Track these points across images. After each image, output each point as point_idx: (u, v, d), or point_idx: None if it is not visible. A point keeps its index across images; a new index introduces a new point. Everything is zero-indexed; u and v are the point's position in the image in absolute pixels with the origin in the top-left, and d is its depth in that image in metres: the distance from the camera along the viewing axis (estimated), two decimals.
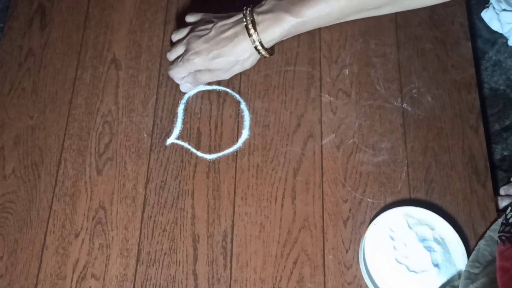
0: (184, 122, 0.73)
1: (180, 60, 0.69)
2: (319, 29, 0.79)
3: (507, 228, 0.56)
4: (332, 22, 0.66)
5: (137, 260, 0.65)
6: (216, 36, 0.66)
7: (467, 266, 0.60)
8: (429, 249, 0.63)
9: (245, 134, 0.72)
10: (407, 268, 0.62)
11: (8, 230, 0.66)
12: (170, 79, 0.75)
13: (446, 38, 0.78)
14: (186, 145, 0.71)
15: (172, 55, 0.71)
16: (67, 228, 0.67)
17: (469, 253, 0.64)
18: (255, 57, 0.67)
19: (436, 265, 0.62)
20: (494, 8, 0.80)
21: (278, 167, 0.70)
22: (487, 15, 0.81)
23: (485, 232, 0.64)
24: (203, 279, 0.64)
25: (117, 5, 0.80)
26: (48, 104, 0.74)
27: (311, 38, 0.78)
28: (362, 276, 0.65)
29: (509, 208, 0.58)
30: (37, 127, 0.72)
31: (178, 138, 0.72)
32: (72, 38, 0.78)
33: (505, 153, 0.80)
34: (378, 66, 0.76)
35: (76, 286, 0.64)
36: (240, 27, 0.65)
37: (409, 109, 0.74)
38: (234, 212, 0.68)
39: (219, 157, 0.71)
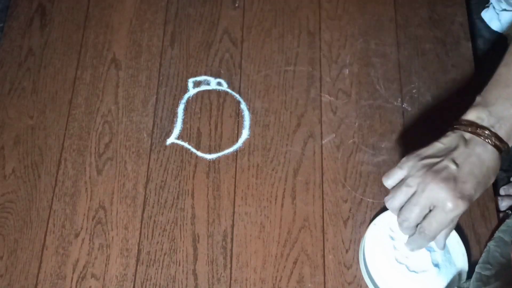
0: (184, 122, 0.73)
1: (434, 217, 0.54)
2: (319, 29, 0.79)
3: None
4: None
5: (137, 260, 0.65)
6: (463, 168, 0.54)
7: (477, 267, 0.60)
8: (429, 249, 0.63)
9: (245, 134, 0.72)
10: (407, 268, 0.62)
11: (8, 230, 0.66)
12: (170, 79, 0.75)
13: (446, 38, 0.78)
14: (186, 145, 0.71)
15: (394, 204, 0.56)
16: (67, 228, 0.67)
17: (469, 253, 0.64)
18: (499, 166, 0.57)
19: (436, 265, 0.62)
20: (494, 8, 0.80)
21: (278, 167, 0.70)
22: (487, 15, 0.81)
23: (494, 232, 0.64)
24: (203, 279, 0.64)
25: (117, 5, 0.80)
26: (48, 104, 0.74)
27: (311, 38, 0.78)
28: (362, 276, 0.64)
29: None
30: (37, 127, 0.72)
31: (178, 138, 0.72)
32: (72, 38, 0.78)
33: None
34: (378, 66, 0.76)
35: (76, 286, 0.64)
36: (482, 147, 0.55)
37: (409, 109, 0.74)
38: (234, 212, 0.68)
39: (219, 157, 0.71)
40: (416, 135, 0.72)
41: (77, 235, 0.66)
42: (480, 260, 0.61)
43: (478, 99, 0.57)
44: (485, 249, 0.62)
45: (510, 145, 0.56)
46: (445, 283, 0.62)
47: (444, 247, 0.58)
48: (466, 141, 0.56)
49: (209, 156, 0.71)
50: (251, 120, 0.73)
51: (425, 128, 0.73)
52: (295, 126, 0.72)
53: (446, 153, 0.55)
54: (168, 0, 0.80)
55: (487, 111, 0.56)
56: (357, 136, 0.72)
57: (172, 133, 0.72)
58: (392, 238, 0.64)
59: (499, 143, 0.55)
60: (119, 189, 0.69)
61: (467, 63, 0.77)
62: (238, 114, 0.73)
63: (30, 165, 0.70)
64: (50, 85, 0.75)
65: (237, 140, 0.72)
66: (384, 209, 0.67)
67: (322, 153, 0.71)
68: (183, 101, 0.74)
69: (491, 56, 0.80)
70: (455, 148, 0.55)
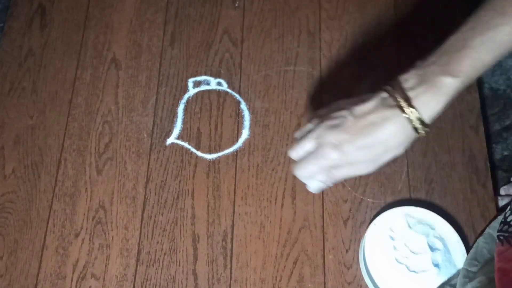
0: (184, 122, 0.73)
1: (312, 157, 0.56)
2: (319, 29, 0.79)
3: (506, 227, 0.56)
4: (494, 64, 0.54)
5: (137, 260, 0.65)
6: (357, 123, 0.54)
7: (465, 264, 0.60)
8: (429, 249, 0.63)
9: (245, 134, 0.72)
10: (407, 268, 0.62)
11: (8, 230, 0.66)
12: (170, 79, 0.75)
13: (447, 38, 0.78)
14: (186, 145, 0.71)
15: (297, 152, 0.57)
16: (67, 228, 0.67)
17: (469, 252, 0.64)
18: (411, 139, 0.54)
19: (436, 265, 0.62)
20: None
21: (278, 167, 0.70)
22: None
23: (484, 229, 0.64)
24: (203, 279, 0.64)
25: (117, 5, 0.80)
26: (48, 104, 0.74)
27: (311, 38, 0.78)
28: (362, 276, 0.64)
29: (509, 207, 0.58)
30: (37, 127, 0.72)
31: (178, 138, 0.72)
32: (72, 38, 0.78)
33: (505, 153, 0.80)
34: (378, 66, 0.76)
35: (76, 286, 0.64)
36: (388, 109, 0.53)
37: None
38: (234, 212, 0.68)
39: (219, 157, 0.71)
40: None
41: (77, 235, 0.66)
42: (468, 256, 0.60)
43: (417, 62, 0.54)
44: (474, 245, 0.61)
45: (424, 116, 0.53)
46: None
47: (314, 190, 0.57)
48: (379, 98, 0.54)
49: (209, 156, 0.71)
50: (251, 120, 0.73)
51: None
52: (295, 126, 0.72)
53: (354, 105, 0.55)
54: (168, 0, 0.80)
55: (415, 73, 0.53)
56: None
57: (172, 133, 0.72)
58: (392, 238, 0.64)
59: (408, 108, 0.52)
60: (119, 189, 0.69)
61: None
62: (238, 114, 0.73)
63: (30, 165, 0.70)
64: (50, 85, 0.75)
65: (237, 140, 0.72)
66: (384, 209, 0.67)
67: None
68: (183, 101, 0.74)
69: None
70: (364, 102, 0.54)
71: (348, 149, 0.53)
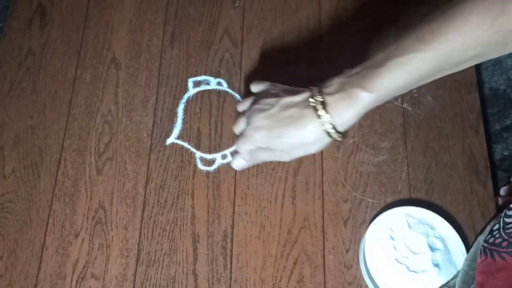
0: (184, 122, 0.73)
1: (242, 135, 0.63)
2: (319, 29, 0.79)
3: (488, 237, 0.55)
4: (410, 88, 0.56)
5: (137, 260, 0.65)
6: (279, 113, 0.59)
7: (465, 264, 0.60)
8: (429, 249, 0.63)
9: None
10: (407, 268, 0.62)
11: (8, 230, 0.66)
12: (170, 79, 0.75)
13: None
14: (186, 145, 0.71)
15: (237, 129, 0.66)
16: (67, 228, 0.66)
17: (469, 251, 0.64)
18: (325, 141, 0.58)
19: (436, 265, 0.62)
20: None
21: (278, 167, 0.70)
22: None
23: (485, 227, 0.64)
24: (203, 279, 0.64)
25: (117, 5, 0.80)
26: (48, 104, 0.74)
27: (311, 38, 0.78)
28: (362, 276, 0.64)
29: (500, 219, 0.56)
30: (36, 127, 0.72)
31: (178, 138, 0.72)
32: (72, 38, 0.78)
33: (506, 153, 0.80)
34: None
35: (76, 286, 0.64)
36: (306, 108, 0.57)
37: (409, 108, 0.74)
38: (234, 212, 0.68)
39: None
40: (416, 135, 0.72)
41: (77, 235, 0.66)
42: (468, 256, 0.60)
43: (345, 70, 0.58)
44: (474, 243, 0.61)
45: (337, 123, 0.56)
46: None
47: (236, 167, 0.67)
48: (304, 96, 0.58)
49: (209, 156, 0.71)
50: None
51: (425, 128, 0.73)
52: None
53: (284, 95, 0.60)
54: (168, 0, 0.80)
55: (338, 80, 0.57)
56: (357, 136, 0.72)
57: (172, 133, 0.72)
58: (392, 238, 0.64)
59: (322, 111, 0.56)
60: (119, 189, 0.69)
61: None
62: (238, 114, 0.73)
63: (30, 165, 0.70)
64: (50, 85, 0.75)
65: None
66: (384, 209, 0.67)
67: (322, 153, 0.71)
68: (183, 101, 0.74)
69: None
70: (293, 94, 0.59)
71: (269, 134, 0.59)
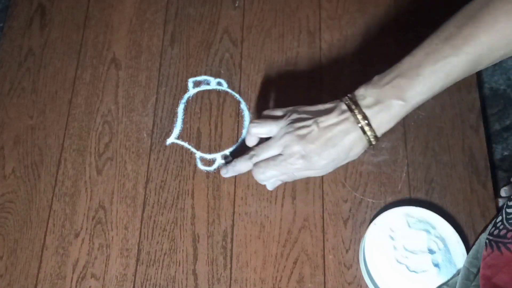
0: (184, 122, 0.73)
1: (276, 163, 0.60)
2: (319, 29, 0.79)
3: (492, 230, 0.55)
4: (443, 90, 0.58)
5: (137, 260, 0.65)
6: (323, 135, 0.58)
7: (466, 262, 0.59)
8: (429, 249, 0.63)
9: (245, 134, 0.72)
10: (407, 268, 0.62)
11: (8, 230, 0.66)
12: (170, 79, 0.75)
13: None
14: (186, 145, 0.71)
15: (262, 156, 0.62)
16: (67, 228, 0.67)
17: (470, 250, 0.63)
18: (365, 149, 0.60)
19: (436, 265, 0.62)
20: None
21: None
22: None
23: (487, 225, 0.64)
24: (203, 279, 0.64)
25: (117, 5, 0.80)
26: (48, 104, 0.74)
27: (311, 38, 0.78)
28: (362, 276, 0.64)
29: (502, 211, 0.56)
30: (37, 127, 0.72)
31: (178, 138, 0.72)
32: (72, 38, 0.78)
33: (506, 153, 0.80)
34: (378, 66, 0.76)
35: (76, 286, 0.64)
36: (350, 124, 0.57)
37: None
38: (234, 212, 0.68)
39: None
40: (416, 135, 0.72)
41: (77, 235, 0.66)
42: (470, 254, 0.59)
43: (375, 78, 0.59)
44: (476, 241, 0.61)
45: (378, 133, 0.58)
46: None
47: (271, 188, 0.65)
48: (340, 112, 0.58)
49: (209, 156, 0.71)
50: (251, 120, 0.73)
51: (425, 128, 0.73)
52: None
53: (318, 115, 0.59)
54: (168, 0, 0.80)
55: (372, 91, 0.58)
56: None
57: (172, 133, 0.72)
58: (392, 238, 0.64)
59: (366, 127, 0.57)
60: (119, 189, 0.69)
61: None
62: (238, 114, 0.73)
63: (30, 165, 0.70)
64: (50, 85, 0.75)
65: (237, 140, 0.72)
66: (384, 209, 0.67)
67: None
68: (183, 101, 0.74)
69: None
70: (327, 113, 0.59)
71: (314, 158, 0.58)
